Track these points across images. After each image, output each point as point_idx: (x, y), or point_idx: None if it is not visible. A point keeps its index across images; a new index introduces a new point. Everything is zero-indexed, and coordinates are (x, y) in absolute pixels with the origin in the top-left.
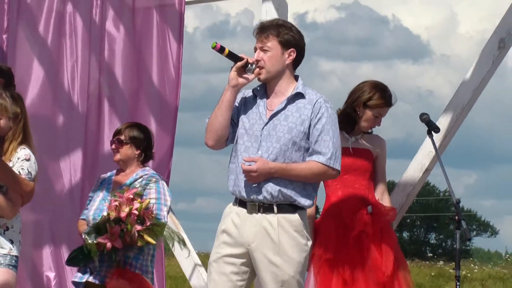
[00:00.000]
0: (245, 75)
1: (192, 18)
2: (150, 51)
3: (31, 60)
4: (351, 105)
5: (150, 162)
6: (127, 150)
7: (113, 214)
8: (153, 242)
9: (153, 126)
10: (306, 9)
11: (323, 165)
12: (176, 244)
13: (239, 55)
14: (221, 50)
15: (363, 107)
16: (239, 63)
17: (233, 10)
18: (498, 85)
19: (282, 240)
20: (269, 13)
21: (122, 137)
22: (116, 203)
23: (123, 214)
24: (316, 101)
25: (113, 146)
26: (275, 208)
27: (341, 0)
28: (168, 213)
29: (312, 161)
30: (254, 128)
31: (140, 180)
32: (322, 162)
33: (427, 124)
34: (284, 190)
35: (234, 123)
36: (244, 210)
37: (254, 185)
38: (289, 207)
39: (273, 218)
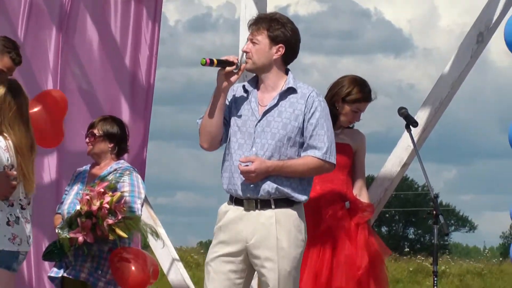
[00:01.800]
0: (233, 77)
1: (174, 11)
2: (125, 39)
3: None
4: (330, 100)
5: (126, 154)
6: (100, 144)
7: (84, 208)
8: (125, 235)
9: (126, 115)
10: (288, 2)
11: (319, 160)
12: (149, 236)
13: (224, 58)
14: (211, 63)
15: (342, 102)
16: (229, 68)
17: (214, 3)
18: (479, 80)
19: (279, 236)
20: (248, 7)
21: (96, 131)
22: (87, 197)
23: (94, 208)
24: (309, 95)
25: (87, 140)
26: (273, 204)
27: None
28: (142, 205)
29: (308, 156)
30: (247, 125)
31: (114, 173)
32: (318, 157)
33: (405, 118)
34: (281, 187)
35: (226, 122)
36: (241, 208)
37: (251, 183)
38: (286, 201)
39: (271, 214)
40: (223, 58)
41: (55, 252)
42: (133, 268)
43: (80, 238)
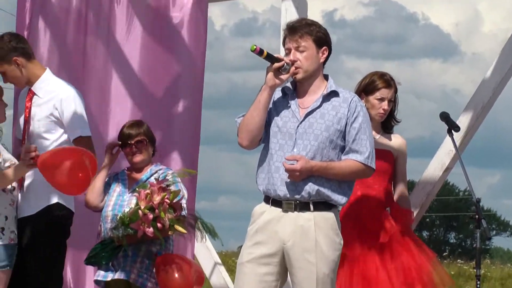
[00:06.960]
0: (281, 76)
1: (219, 16)
2: (177, 40)
3: (53, 59)
4: None
5: (177, 160)
6: (149, 150)
7: (142, 204)
8: (184, 231)
9: (179, 118)
10: (335, 6)
11: (361, 164)
12: (207, 235)
13: (275, 55)
14: (260, 52)
15: (366, 95)
16: (277, 64)
17: (259, 7)
18: None
19: (318, 238)
20: (288, 12)
21: (143, 138)
22: (148, 190)
23: (155, 202)
24: (352, 99)
25: (135, 148)
26: (311, 206)
27: None
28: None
29: (350, 160)
30: (288, 126)
31: (156, 175)
32: (361, 161)
33: (447, 123)
34: (322, 189)
35: (266, 123)
36: (279, 209)
37: (292, 184)
38: (324, 205)
39: (310, 216)
40: (276, 55)
41: (103, 255)
42: (176, 275)
43: (140, 232)
